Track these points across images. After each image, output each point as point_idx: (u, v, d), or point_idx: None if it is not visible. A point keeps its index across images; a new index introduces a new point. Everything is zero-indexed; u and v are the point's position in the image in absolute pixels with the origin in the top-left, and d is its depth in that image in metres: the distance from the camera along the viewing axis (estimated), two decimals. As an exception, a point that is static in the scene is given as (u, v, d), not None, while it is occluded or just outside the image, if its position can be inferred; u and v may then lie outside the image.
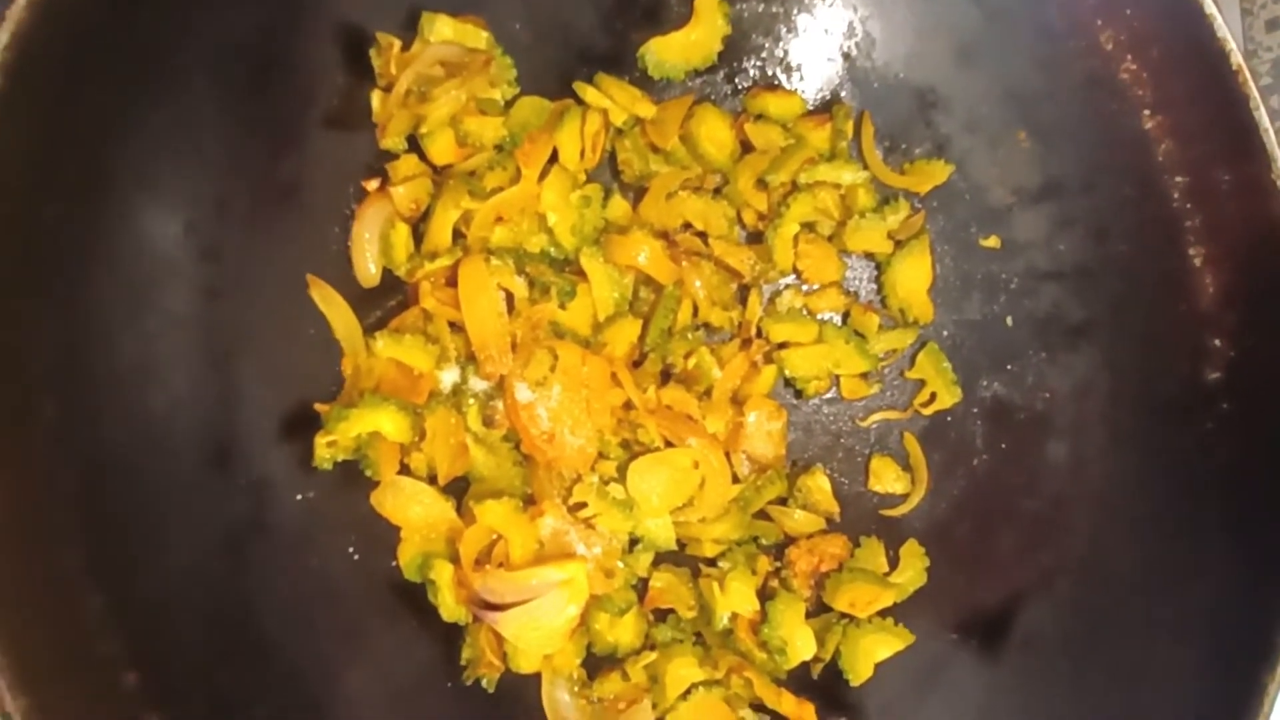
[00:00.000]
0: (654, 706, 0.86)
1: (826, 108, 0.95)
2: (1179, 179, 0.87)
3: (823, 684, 0.91)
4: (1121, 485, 0.91)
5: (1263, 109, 0.83)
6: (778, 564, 0.94)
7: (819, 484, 0.95)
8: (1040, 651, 0.90)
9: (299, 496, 0.82)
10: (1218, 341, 0.86)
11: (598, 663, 0.89)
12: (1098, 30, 0.86)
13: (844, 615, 0.91)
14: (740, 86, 0.95)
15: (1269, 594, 0.80)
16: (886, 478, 0.97)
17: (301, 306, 0.83)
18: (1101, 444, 0.92)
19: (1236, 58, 0.82)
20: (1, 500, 0.61)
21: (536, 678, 0.87)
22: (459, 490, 0.88)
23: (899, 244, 0.95)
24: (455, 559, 0.83)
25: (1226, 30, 0.83)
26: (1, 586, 0.59)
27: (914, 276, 0.96)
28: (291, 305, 0.82)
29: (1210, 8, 0.82)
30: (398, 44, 0.83)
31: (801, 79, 0.95)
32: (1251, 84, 0.83)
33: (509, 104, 0.88)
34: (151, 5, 0.68)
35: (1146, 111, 0.87)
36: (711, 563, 0.93)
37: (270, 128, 0.79)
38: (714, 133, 0.93)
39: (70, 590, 0.64)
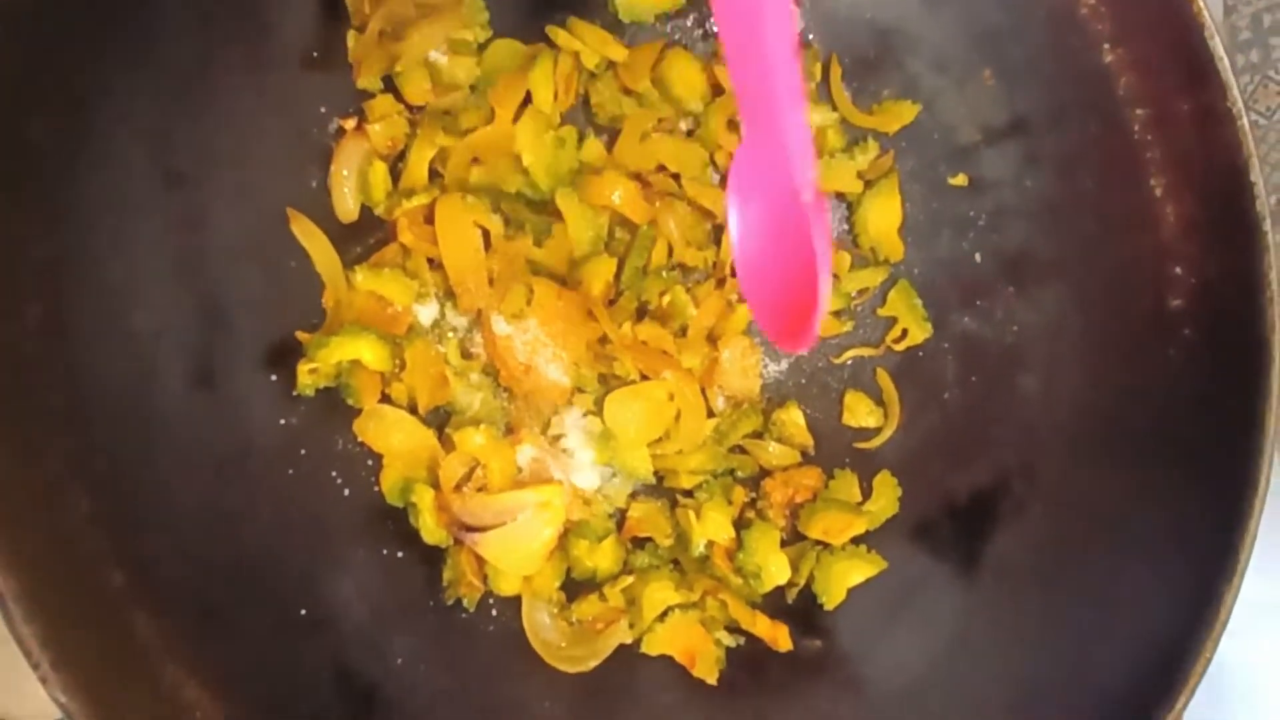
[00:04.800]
0: (631, 627, 0.89)
1: (795, 50, 0.97)
2: (1139, 111, 0.88)
3: (797, 608, 0.93)
4: (1090, 414, 0.93)
5: (1218, 38, 0.84)
6: (753, 495, 0.97)
7: (794, 418, 0.97)
8: (1011, 574, 0.92)
9: (282, 421, 0.85)
10: (1179, 270, 0.87)
11: (577, 588, 0.92)
12: (1057, -35, 0.88)
13: (818, 543, 0.94)
14: (710, 30, 0.97)
15: (1229, 513, 0.82)
16: (860, 412, 0.99)
17: (283, 240, 0.85)
18: (1070, 374, 0.93)
19: (1190, -13, 0.84)
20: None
21: (517, 601, 0.89)
22: (440, 422, 0.90)
23: (869, 184, 0.97)
24: (436, 484, 0.86)
25: (1180, -41, 0.85)
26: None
27: (884, 215, 0.98)
28: (274, 239, 0.85)
29: (1163, -60, 0.84)
30: (371, -16, 0.85)
31: (770, 22, 0.97)
32: (1206, 13, 0.85)
33: (482, 48, 0.91)
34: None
35: (1107, 45, 0.89)
36: (689, 494, 0.95)
37: (247, 67, 0.81)
38: (685, 75, 0.95)
39: (56, 491, 0.66)
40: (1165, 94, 0.87)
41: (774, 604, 0.93)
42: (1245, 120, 0.85)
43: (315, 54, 0.85)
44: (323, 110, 0.88)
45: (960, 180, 0.97)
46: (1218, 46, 0.85)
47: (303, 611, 0.80)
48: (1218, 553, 0.81)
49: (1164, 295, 0.89)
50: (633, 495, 0.95)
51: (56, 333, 0.67)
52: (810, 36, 0.98)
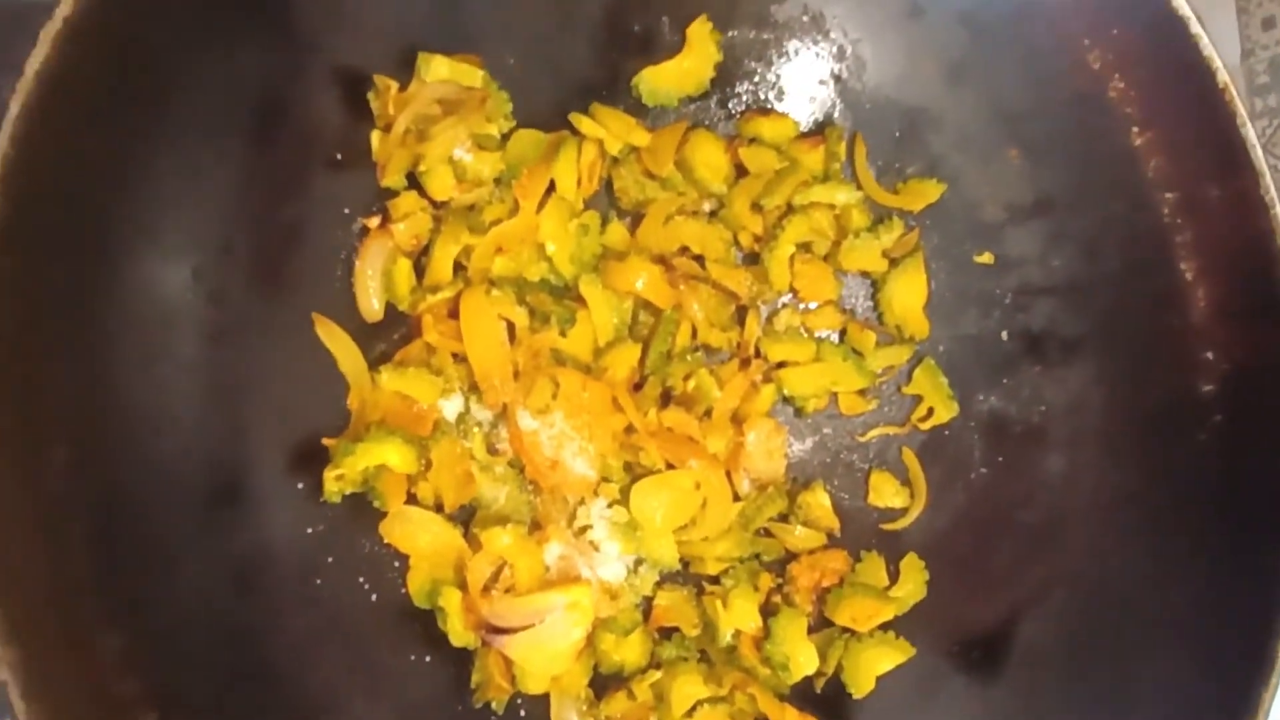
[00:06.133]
0: (660, 724, 0.88)
1: (819, 130, 0.97)
2: (1169, 194, 0.88)
3: (825, 697, 0.92)
4: (1117, 497, 0.93)
5: (1250, 126, 0.84)
6: (779, 580, 0.96)
7: (819, 500, 0.96)
8: (1038, 663, 0.91)
9: (309, 529, 0.84)
10: (1210, 354, 0.87)
11: (604, 682, 0.91)
12: (1085, 49, 0.87)
13: (845, 629, 0.93)
14: (734, 111, 0.97)
15: (1263, 604, 0.82)
16: (886, 492, 0.98)
17: (308, 344, 0.85)
18: (1097, 456, 0.93)
19: (1223, 76, 0.83)
20: (18, 547, 0.64)
21: (545, 699, 0.89)
22: (466, 517, 0.90)
23: (894, 262, 0.97)
24: (463, 585, 0.85)
25: (1213, 49, 0.83)
26: (23, 632, 0.61)
27: (909, 293, 0.97)
28: (298, 343, 0.84)
29: (1196, 27, 0.83)
30: (395, 85, 0.84)
31: (794, 102, 0.97)
32: (1238, 101, 0.84)
33: (506, 138, 0.90)
34: (155, 60, 0.70)
35: (1135, 129, 0.88)
36: (715, 580, 0.94)
37: (273, 171, 0.81)
38: (709, 158, 0.95)
39: (89, 633, 0.66)
40: (1196, 179, 0.87)
41: (802, 693, 0.92)
42: (1279, 209, 0.85)
43: (339, 156, 0.85)
44: (346, 211, 0.87)
45: (986, 258, 0.96)
46: (1250, 134, 0.84)
47: (332, 727, 0.80)
48: (1252, 649, 0.81)
49: (1195, 379, 0.88)
50: (659, 583, 0.94)
51: (83, 472, 0.67)
52: (836, 116, 0.97)
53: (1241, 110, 0.84)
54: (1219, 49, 0.83)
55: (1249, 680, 0.80)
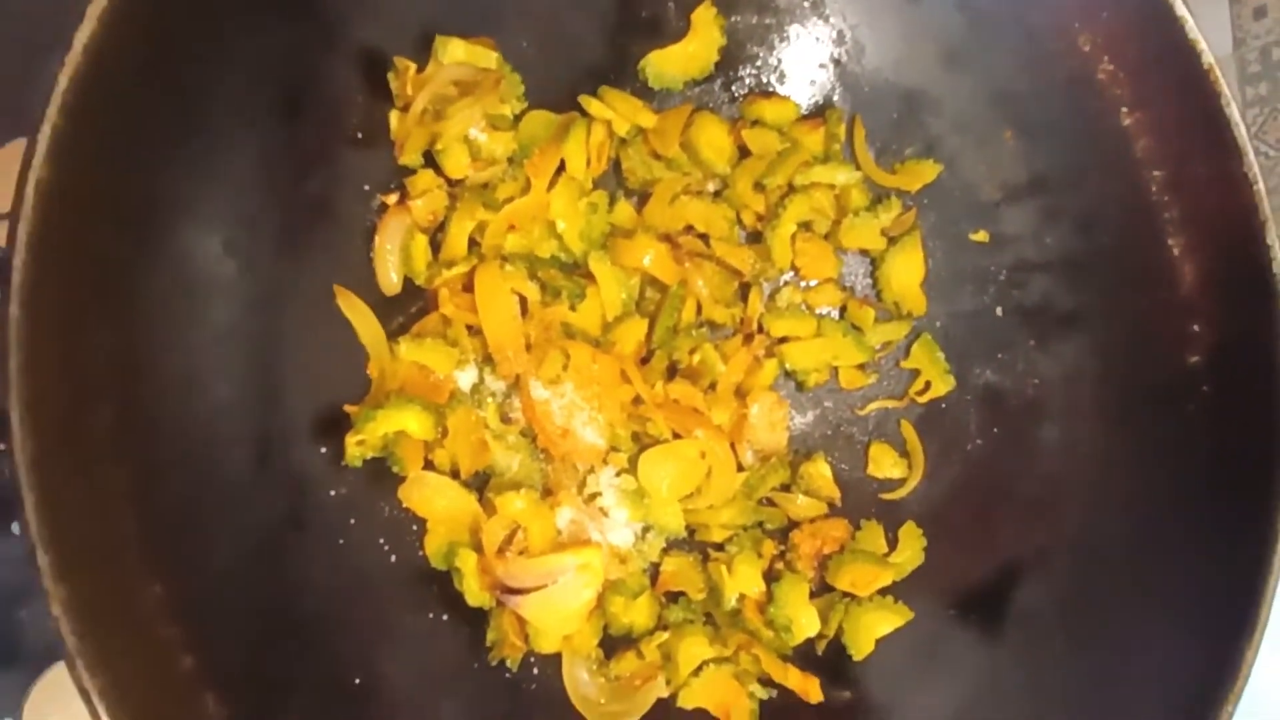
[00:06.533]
0: (667, 683, 0.91)
1: (820, 112, 1.00)
2: (1157, 173, 0.91)
3: (827, 659, 0.95)
4: (1111, 467, 0.95)
5: (1234, 105, 0.87)
6: (782, 547, 0.99)
7: (820, 470, 0.99)
8: (1035, 627, 0.94)
9: (332, 493, 0.87)
10: (1197, 327, 0.90)
11: (614, 643, 0.94)
12: (1076, 33, 0.90)
13: (846, 594, 0.96)
14: (737, 94, 1.00)
15: (1248, 568, 0.84)
16: (885, 463, 1.01)
17: (330, 315, 0.88)
18: (1091, 427, 0.95)
19: (1208, 58, 0.86)
20: (65, 499, 0.67)
21: (557, 657, 0.92)
22: (480, 484, 0.93)
23: (892, 240, 1.00)
24: (479, 547, 0.88)
25: (1198, 31, 0.87)
26: (73, 573, 0.64)
27: (907, 271, 1.00)
28: (321, 314, 0.87)
29: (1181, 10, 0.86)
30: (413, 67, 0.88)
31: (795, 85, 1.00)
32: (1223, 81, 0.87)
33: (518, 118, 0.93)
34: (193, 43, 0.74)
35: (1125, 109, 0.91)
36: (720, 547, 0.98)
37: (297, 149, 0.84)
38: (713, 139, 0.98)
39: (132, 581, 0.69)
40: (1182, 158, 0.89)
41: (804, 655, 0.95)
42: (1261, 185, 0.88)
43: (359, 134, 0.88)
44: (366, 188, 0.90)
45: (981, 236, 0.99)
46: (1234, 113, 0.87)
47: (356, 680, 0.83)
48: (1237, 610, 0.84)
49: (1183, 351, 0.91)
50: (665, 549, 0.97)
51: (125, 434, 0.70)
52: (835, 98, 1.00)
53: (1226, 90, 0.87)
54: (1211, 39, 0.86)
55: (1233, 639, 0.82)
